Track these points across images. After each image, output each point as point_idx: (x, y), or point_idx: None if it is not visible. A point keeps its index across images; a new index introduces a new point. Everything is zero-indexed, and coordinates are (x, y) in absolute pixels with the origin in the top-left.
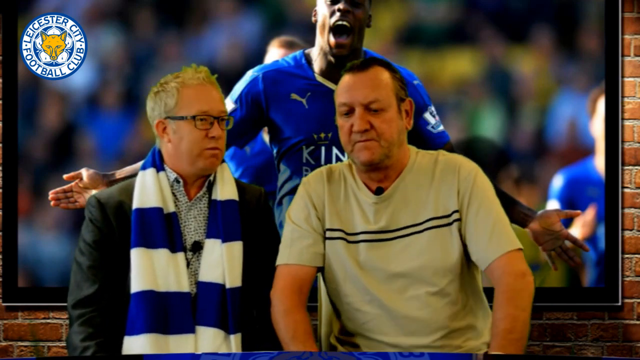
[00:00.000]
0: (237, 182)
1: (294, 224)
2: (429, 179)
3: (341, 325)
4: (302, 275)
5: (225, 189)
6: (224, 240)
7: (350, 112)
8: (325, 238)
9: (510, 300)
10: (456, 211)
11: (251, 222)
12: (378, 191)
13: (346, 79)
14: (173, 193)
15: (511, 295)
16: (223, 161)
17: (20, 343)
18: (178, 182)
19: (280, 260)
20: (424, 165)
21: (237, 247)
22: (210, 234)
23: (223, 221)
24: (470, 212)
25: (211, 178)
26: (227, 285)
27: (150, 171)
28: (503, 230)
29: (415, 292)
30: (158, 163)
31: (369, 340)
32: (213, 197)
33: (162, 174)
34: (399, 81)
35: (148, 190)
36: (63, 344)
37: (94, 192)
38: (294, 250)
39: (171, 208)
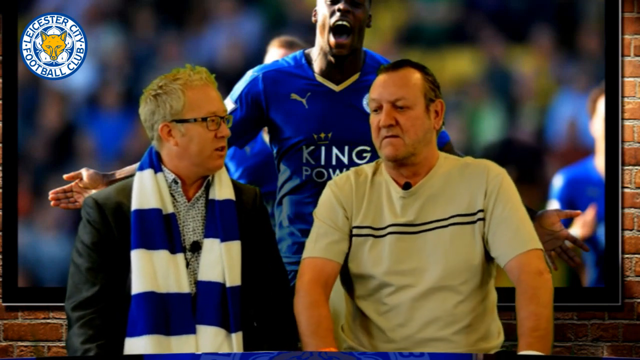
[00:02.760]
0: (234, 183)
1: (320, 220)
2: (457, 178)
3: (355, 321)
4: (328, 270)
5: (223, 189)
6: (223, 240)
7: (379, 108)
8: (352, 235)
9: (531, 298)
10: (481, 210)
11: (248, 222)
12: (406, 186)
13: (379, 77)
14: (171, 194)
15: (532, 293)
16: None
17: (20, 343)
18: (176, 182)
19: (306, 253)
20: (452, 166)
21: (235, 246)
22: (208, 234)
23: (221, 221)
24: (497, 210)
25: (209, 178)
26: (227, 284)
27: (148, 172)
28: (526, 230)
29: (434, 285)
30: (156, 164)
31: (383, 334)
32: (210, 197)
33: (160, 174)
34: (430, 82)
35: (147, 191)
36: (63, 344)
37: (93, 192)
38: (320, 245)
39: (170, 209)
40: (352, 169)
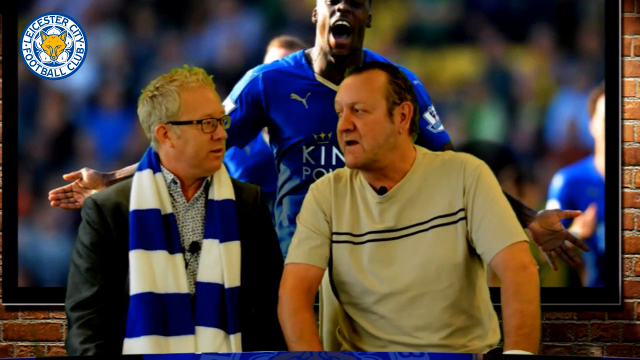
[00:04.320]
0: (234, 182)
1: (303, 225)
2: (435, 178)
3: (347, 325)
4: (310, 276)
5: (222, 189)
6: (222, 240)
7: (341, 112)
8: (332, 241)
9: (515, 295)
10: (462, 209)
11: (249, 222)
12: (381, 191)
13: (344, 80)
14: (170, 194)
15: (515, 289)
16: None
17: (20, 343)
18: (175, 183)
19: (289, 259)
20: (430, 165)
21: (235, 246)
22: (207, 234)
23: (220, 221)
24: (476, 205)
25: (208, 178)
26: (226, 285)
27: (147, 172)
28: (508, 223)
29: (419, 290)
30: (155, 164)
31: (375, 339)
32: (210, 197)
33: (159, 175)
34: (396, 85)
35: (145, 191)
36: (63, 344)
37: (93, 192)
38: (302, 250)
39: (169, 209)
40: (333, 172)
